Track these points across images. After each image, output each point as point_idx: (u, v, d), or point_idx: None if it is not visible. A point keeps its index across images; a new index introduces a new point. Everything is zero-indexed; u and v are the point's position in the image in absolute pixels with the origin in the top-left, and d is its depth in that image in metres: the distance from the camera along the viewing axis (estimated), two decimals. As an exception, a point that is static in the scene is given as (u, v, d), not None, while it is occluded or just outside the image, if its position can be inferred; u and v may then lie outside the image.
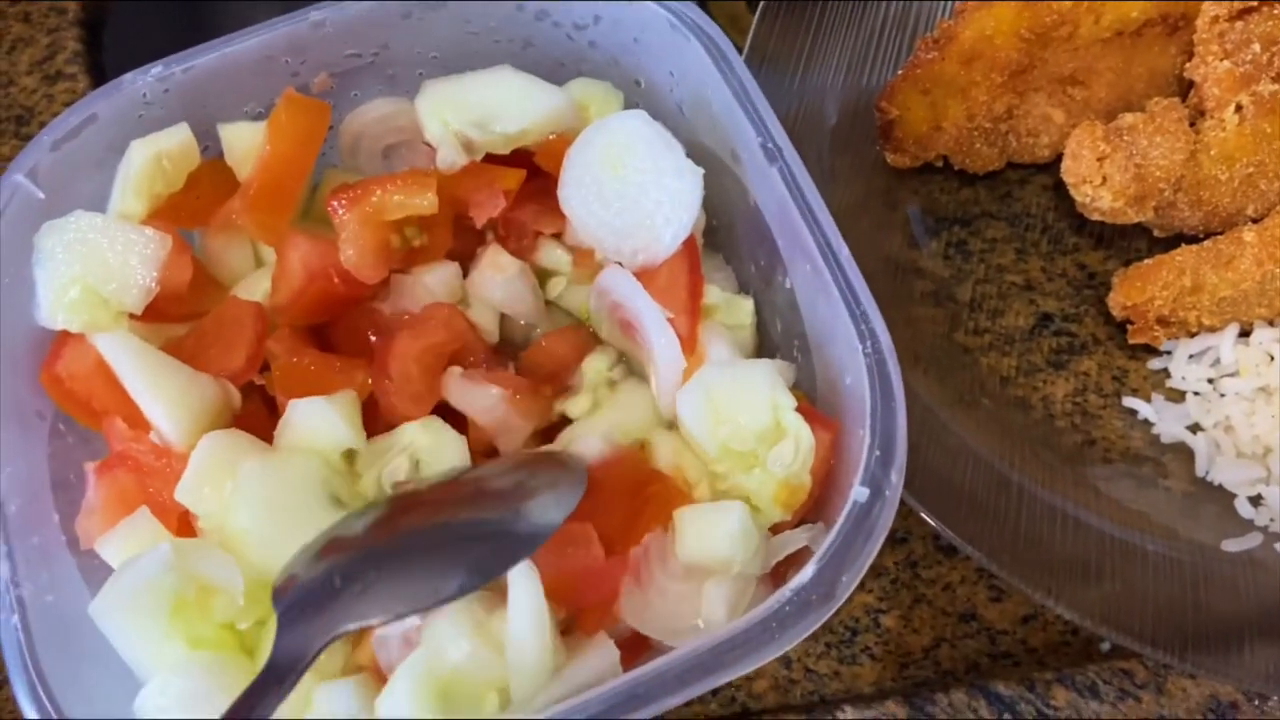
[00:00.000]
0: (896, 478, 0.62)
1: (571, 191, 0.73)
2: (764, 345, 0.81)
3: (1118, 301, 0.90)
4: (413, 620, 0.62)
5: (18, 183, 0.73)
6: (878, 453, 0.63)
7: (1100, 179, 0.89)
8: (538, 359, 0.76)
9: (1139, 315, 0.90)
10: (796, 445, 0.66)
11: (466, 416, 0.72)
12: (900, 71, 0.98)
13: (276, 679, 0.56)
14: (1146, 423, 0.90)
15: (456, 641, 0.60)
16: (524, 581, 0.61)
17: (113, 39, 1.16)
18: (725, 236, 0.83)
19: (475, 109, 0.76)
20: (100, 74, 1.14)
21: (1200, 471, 0.87)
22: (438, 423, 0.71)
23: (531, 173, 0.76)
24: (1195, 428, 0.88)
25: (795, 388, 0.72)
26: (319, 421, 0.67)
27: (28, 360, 0.71)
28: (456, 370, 0.72)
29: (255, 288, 0.77)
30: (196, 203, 0.77)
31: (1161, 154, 0.88)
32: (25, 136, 1.08)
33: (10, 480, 0.67)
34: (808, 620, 0.58)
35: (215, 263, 0.80)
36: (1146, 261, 0.90)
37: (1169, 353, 0.92)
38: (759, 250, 0.78)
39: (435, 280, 0.76)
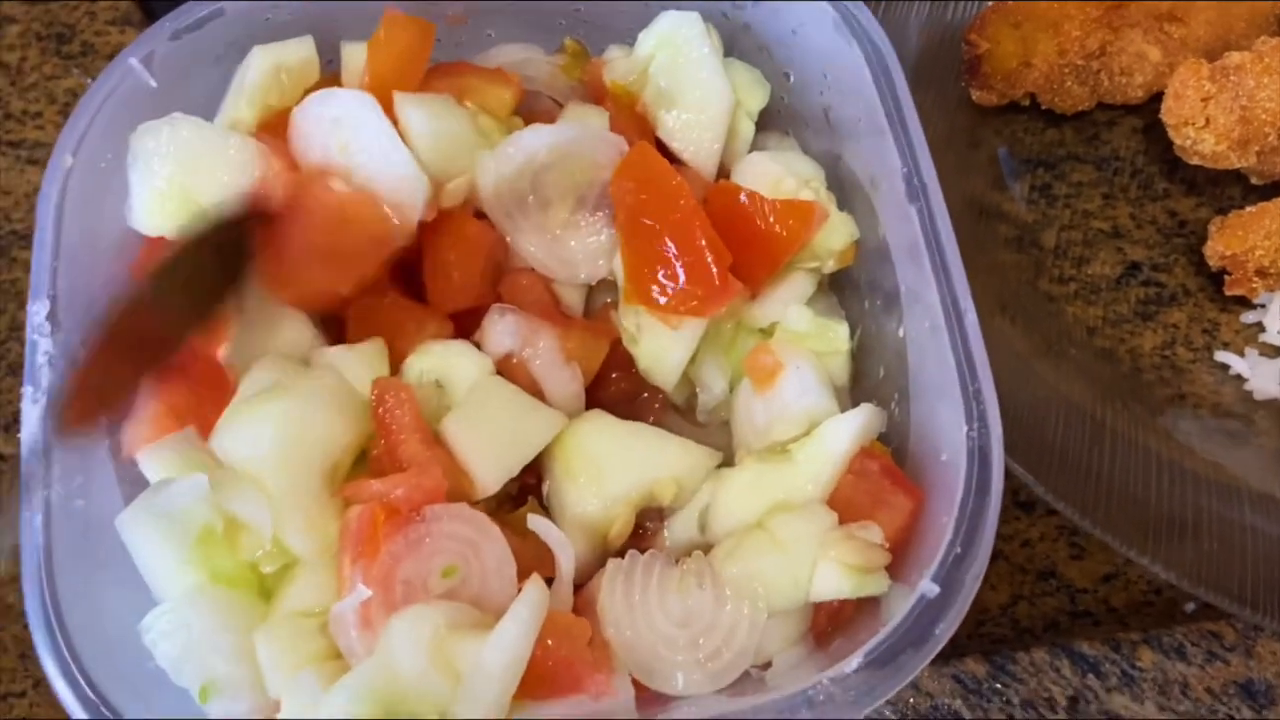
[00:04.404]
0: (972, 582, 0.56)
1: None
2: (861, 385, 0.74)
3: (1215, 250, 0.86)
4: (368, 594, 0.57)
5: (130, 66, 0.69)
6: (958, 550, 0.57)
7: (1204, 120, 0.84)
8: None
9: (1237, 266, 0.86)
10: None
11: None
12: (990, 3, 0.93)
13: None
14: (1239, 378, 0.86)
15: (412, 655, 0.55)
16: (530, 599, 0.57)
17: (157, -47, 1.11)
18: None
19: None
20: (144, -9, 1.09)
21: (1295, 430, 0.84)
22: (458, 344, 0.68)
23: None
24: (1291, 384, 0.85)
25: (883, 439, 0.67)
26: (342, 371, 0.65)
27: (112, 258, 0.68)
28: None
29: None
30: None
31: (1269, 95, 0.84)
32: (66, 55, 1.04)
33: None
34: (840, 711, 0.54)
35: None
36: (1248, 209, 0.86)
37: (1263, 306, 0.89)
38: (878, 288, 0.71)
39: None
